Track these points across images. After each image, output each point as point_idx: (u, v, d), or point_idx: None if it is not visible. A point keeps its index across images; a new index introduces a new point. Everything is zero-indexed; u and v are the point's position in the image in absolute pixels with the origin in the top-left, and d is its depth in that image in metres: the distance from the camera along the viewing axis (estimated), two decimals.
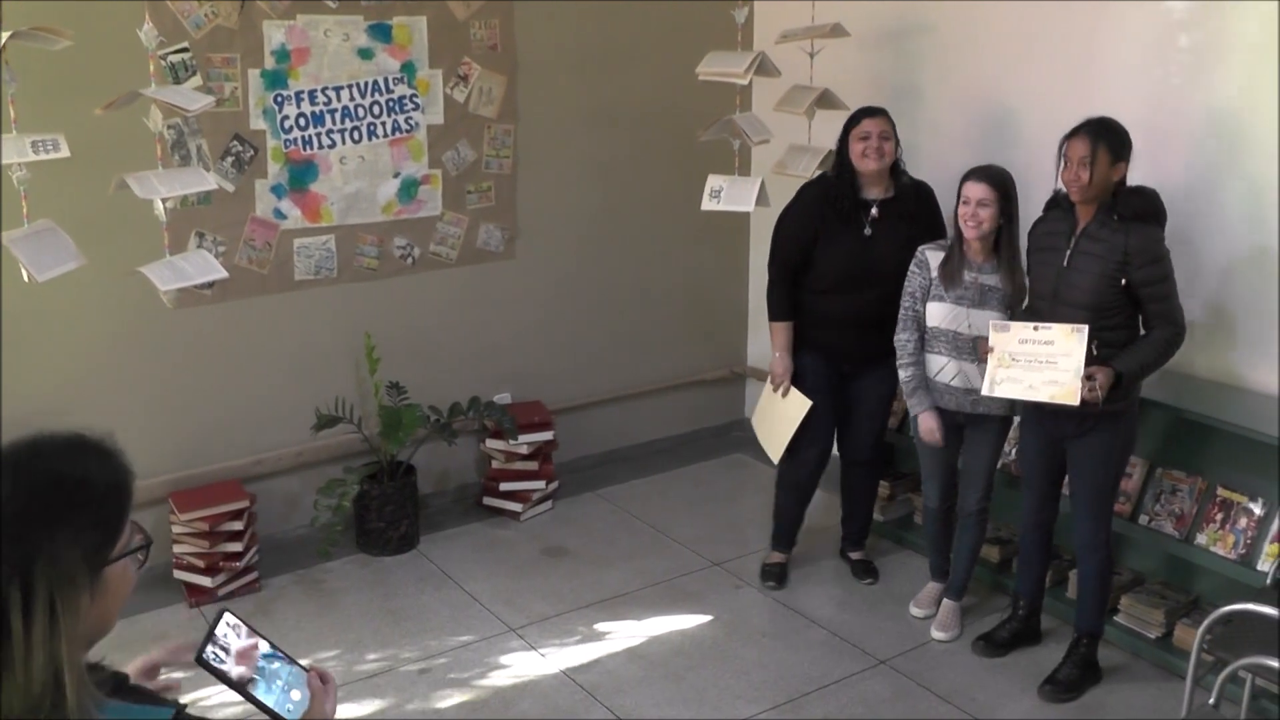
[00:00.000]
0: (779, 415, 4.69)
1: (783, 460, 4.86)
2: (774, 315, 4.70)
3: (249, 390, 5.00)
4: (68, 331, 4.50)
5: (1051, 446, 4.13)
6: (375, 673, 4.30)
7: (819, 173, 4.71)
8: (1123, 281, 3.77)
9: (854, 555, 5.09)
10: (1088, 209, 3.86)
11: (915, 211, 4.55)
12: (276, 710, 1.65)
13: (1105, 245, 3.80)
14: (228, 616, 1.69)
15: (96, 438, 1.49)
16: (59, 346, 4.50)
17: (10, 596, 1.34)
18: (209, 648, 1.63)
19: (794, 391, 4.64)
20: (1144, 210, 3.81)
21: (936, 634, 4.55)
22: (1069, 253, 3.88)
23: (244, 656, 1.65)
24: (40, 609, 1.35)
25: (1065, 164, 3.82)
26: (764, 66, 4.83)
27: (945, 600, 4.63)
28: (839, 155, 4.54)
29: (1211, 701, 3.45)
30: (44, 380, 4.42)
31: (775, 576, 4.95)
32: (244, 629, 1.69)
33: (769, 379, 4.76)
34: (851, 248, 4.49)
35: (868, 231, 4.49)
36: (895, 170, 4.53)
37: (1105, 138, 3.76)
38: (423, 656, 4.41)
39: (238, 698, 1.63)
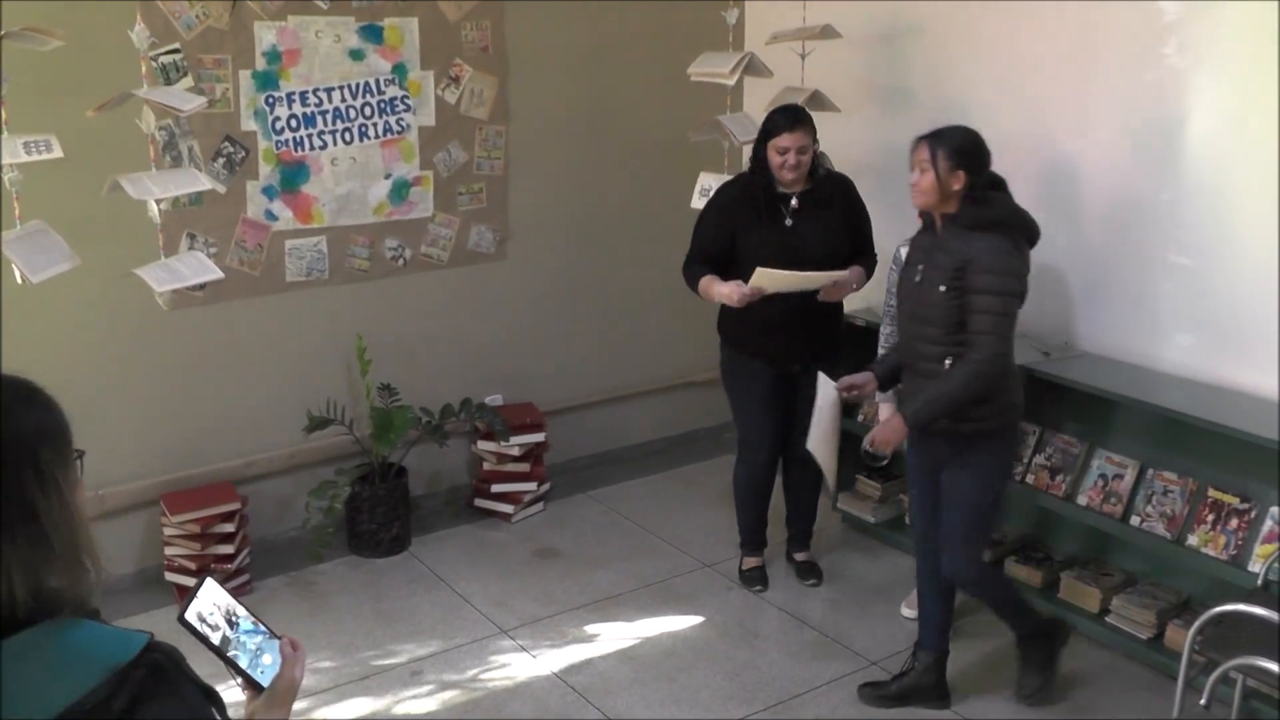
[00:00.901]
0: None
1: (736, 465, 4.91)
2: (696, 281, 4.54)
3: (240, 392, 4.99)
4: (59, 333, 4.48)
5: (932, 467, 3.99)
6: (366, 674, 4.29)
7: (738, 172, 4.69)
8: (948, 288, 3.67)
9: (798, 557, 5.03)
10: (942, 222, 3.78)
11: (834, 198, 4.52)
12: (250, 673, 1.74)
13: (949, 257, 3.69)
14: (210, 582, 1.77)
15: (29, 382, 1.68)
16: (50, 347, 4.47)
17: (26, 477, 1.50)
18: (191, 609, 1.70)
19: (758, 274, 4.27)
20: (991, 220, 3.68)
21: (906, 611, 4.67)
22: (922, 268, 3.80)
23: (223, 621, 1.75)
24: (53, 486, 1.52)
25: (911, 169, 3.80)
26: (754, 67, 4.85)
27: None
28: (755, 153, 4.49)
29: (1203, 703, 3.45)
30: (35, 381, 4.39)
31: (758, 580, 4.94)
32: (225, 595, 1.77)
33: (741, 297, 4.34)
34: (775, 239, 4.42)
35: (789, 222, 4.45)
36: (812, 166, 4.47)
37: (946, 143, 3.69)
38: (414, 658, 4.41)
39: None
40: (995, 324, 3.64)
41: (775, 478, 4.92)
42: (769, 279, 4.27)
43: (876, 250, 4.67)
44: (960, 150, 3.69)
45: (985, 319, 3.63)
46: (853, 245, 4.57)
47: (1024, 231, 3.75)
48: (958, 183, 3.68)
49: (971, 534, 3.93)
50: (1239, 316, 4.26)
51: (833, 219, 4.50)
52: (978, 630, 4.50)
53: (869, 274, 4.59)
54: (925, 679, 4.11)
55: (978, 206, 3.69)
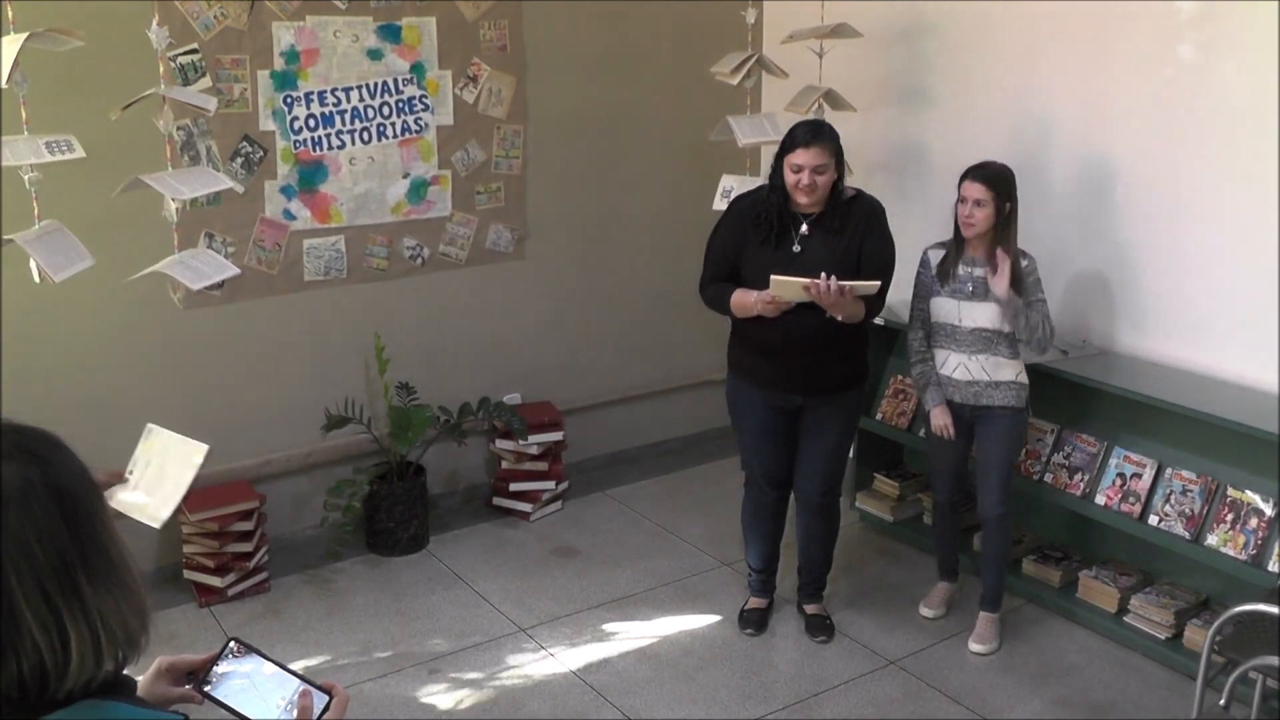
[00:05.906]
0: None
1: (744, 497, 4.61)
2: (724, 299, 4.18)
3: (258, 391, 5.01)
4: (76, 332, 4.51)
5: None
6: (385, 673, 4.31)
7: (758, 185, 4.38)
8: None
9: (808, 609, 4.66)
10: None
11: (852, 225, 4.09)
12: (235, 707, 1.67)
13: None
14: (233, 645, 1.72)
15: (43, 432, 1.52)
16: (67, 347, 4.51)
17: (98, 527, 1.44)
18: (211, 677, 1.67)
19: (773, 283, 3.94)
20: None
21: (974, 647, 4.44)
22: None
23: (246, 681, 1.68)
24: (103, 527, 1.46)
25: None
26: (765, 67, 4.85)
27: (981, 613, 4.51)
28: (774, 167, 4.13)
29: (1222, 702, 3.44)
30: (53, 381, 4.43)
31: (752, 623, 4.61)
32: (250, 655, 1.72)
33: (764, 304, 4.04)
34: (777, 264, 4.03)
35: (796, 248, 4.08)
36: (834, 187, 4.09)
37: None
38: (432, 657, 4.42)
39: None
40: None
41: (785, 514, 4.59)
42: (780, 287, 3.94)
43: (899, 252, 4.22)
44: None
45: None
46: (866, 278, 4.04)
47: None
48: None
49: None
50: (1260, 316, 4.24)
51: (844, 247, 4.07)
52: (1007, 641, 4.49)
53: (871, 311, 4.13)
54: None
55: None
